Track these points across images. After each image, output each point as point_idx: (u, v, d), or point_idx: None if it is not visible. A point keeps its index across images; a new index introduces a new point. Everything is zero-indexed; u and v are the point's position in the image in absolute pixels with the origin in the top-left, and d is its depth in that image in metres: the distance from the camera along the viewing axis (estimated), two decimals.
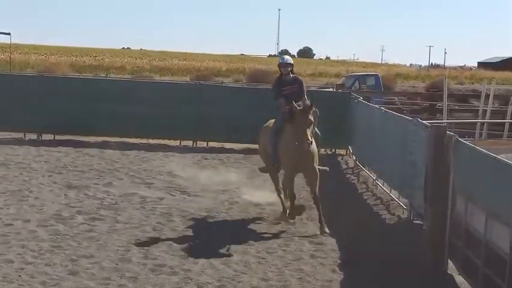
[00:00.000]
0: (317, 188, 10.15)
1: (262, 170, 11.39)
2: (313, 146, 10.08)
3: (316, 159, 10.22)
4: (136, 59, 76.90)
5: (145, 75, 48.73)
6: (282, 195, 10.77)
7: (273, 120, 10.89)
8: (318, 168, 10.29)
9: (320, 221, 9.96)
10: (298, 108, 9.84)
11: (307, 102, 10.08)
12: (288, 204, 10.45)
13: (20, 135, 18.14)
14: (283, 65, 10.66)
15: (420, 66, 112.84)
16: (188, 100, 18.00)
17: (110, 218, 10.28)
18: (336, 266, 8.43)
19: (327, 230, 9.86)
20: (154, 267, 8.05)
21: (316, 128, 10.34)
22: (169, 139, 18.35)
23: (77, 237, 9.17)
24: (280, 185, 10.79)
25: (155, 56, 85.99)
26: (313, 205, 10.23)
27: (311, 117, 9.87)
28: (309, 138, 9.71)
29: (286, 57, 11.07)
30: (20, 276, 7.54)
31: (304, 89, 10.71)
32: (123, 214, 10.54)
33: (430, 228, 8.74)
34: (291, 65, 10.70)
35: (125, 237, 9.25)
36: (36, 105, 17.68)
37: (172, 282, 7.60)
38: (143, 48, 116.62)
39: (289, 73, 10.62)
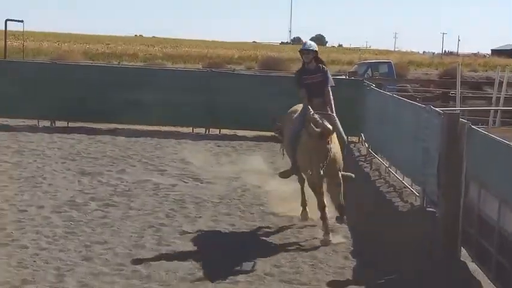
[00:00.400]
0: (341, 196, 9.18)
1: (282, 174, 10.05)
2: (338, 151, 9.10)
3: (340, 166, 9.22)
4: (148, 46, 76.88)
5: (157, 63, 48.75)
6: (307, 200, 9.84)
7: (295, 107, 9.93)
8: (342, 174, 9.34)
9: (341, 217, 9.19)
10: (316, 130, 8.65)
11: (326, 123, 8.79)
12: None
13: (33, 122, 18.21)
14: (304, 51, 9.48)
15: (433, 53, 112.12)
16: (201, 87, 18.02)
17: (123, 204, 10.33)
18: (348, 253, 8.44)
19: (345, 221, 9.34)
20: (167, 253, 8.10)
21: (342, 130, 9.49)
22: (181, 126, 18.40)
23: (90, 223, 9.23)
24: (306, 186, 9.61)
25: (168, 43, 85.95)
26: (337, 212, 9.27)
27: (329, 146, 8.74)
28: (321, 171, 8.70)
29: (309, 42, 9.76)
30: (34, 261, 7.60)
31: (330, 78, 9.67)
32: (136, 201, 10.59)
33: (443, 215, 8.72)
34: (314, 52, 9.47)
35: (138, 224, 9.30)
36: (49, 93, 17.72)
37: (185, 267, 7.64)
38: (156, 35, 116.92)
39: (311, 61, 9.51)
